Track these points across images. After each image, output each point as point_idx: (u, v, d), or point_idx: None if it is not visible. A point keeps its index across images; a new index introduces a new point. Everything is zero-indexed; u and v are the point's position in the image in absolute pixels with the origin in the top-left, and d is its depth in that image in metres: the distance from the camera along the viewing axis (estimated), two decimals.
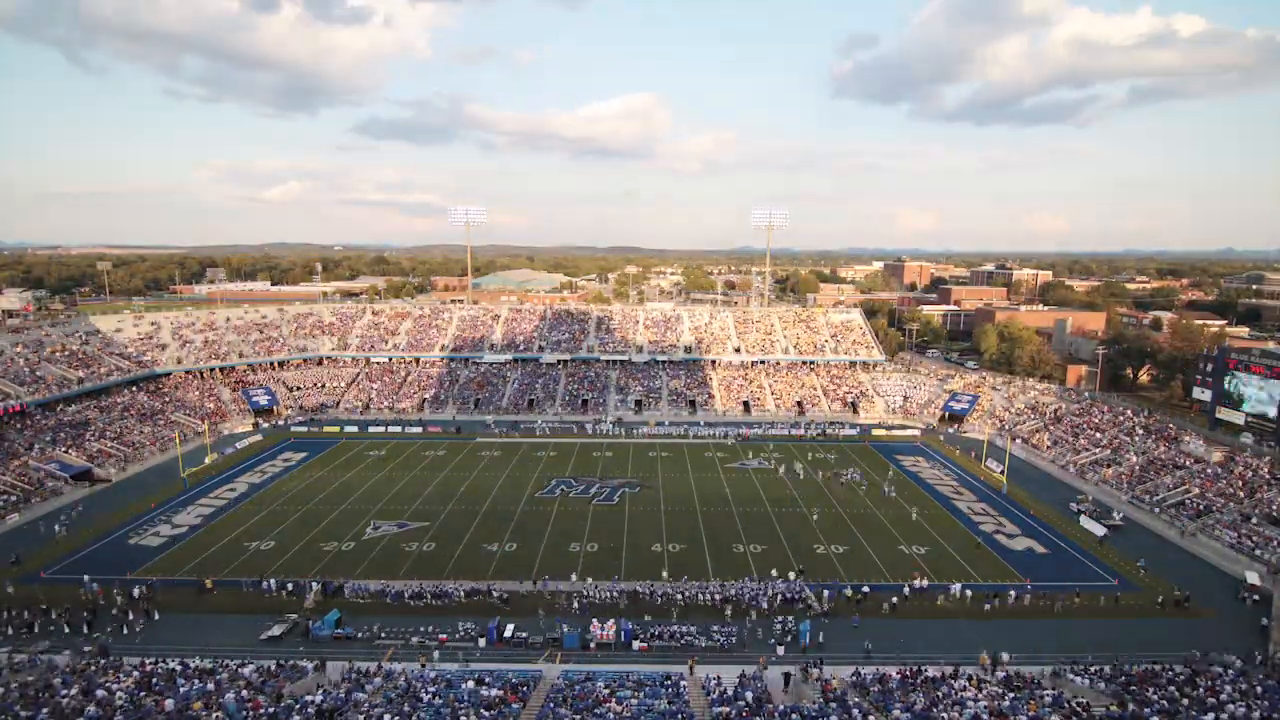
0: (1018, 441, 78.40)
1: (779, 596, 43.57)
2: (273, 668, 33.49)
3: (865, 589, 44.91)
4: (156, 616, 41.37)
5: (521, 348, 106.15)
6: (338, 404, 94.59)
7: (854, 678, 33.10)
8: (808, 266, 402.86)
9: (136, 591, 43.35)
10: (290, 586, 44.50)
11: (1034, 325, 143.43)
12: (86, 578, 44.96)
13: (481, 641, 38.98)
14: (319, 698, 29.63)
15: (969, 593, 44.45)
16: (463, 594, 43.80)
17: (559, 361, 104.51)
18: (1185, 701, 29.50)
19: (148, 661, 33.47)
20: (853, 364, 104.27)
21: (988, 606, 43.09)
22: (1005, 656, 36.06)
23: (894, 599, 43.64)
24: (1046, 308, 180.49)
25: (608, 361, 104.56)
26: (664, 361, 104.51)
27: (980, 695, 30.34)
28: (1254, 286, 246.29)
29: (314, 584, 44.47)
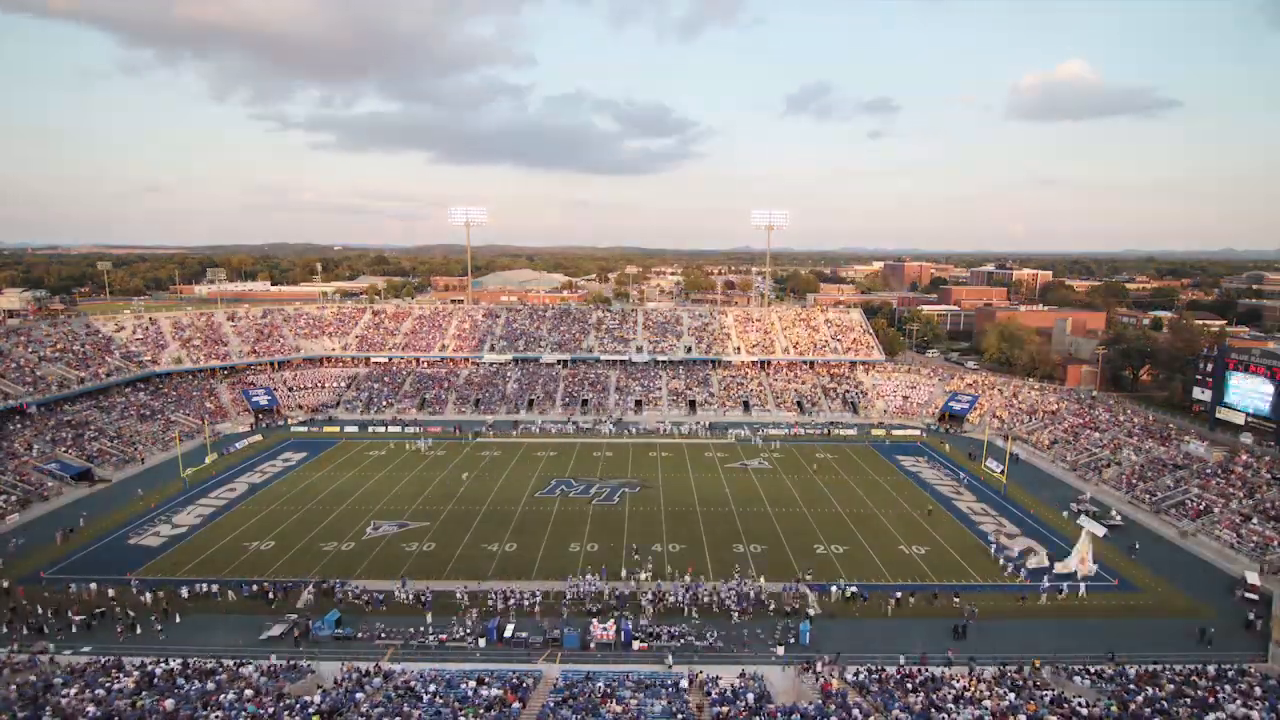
0: (1018, 441, 78.41)
1: (778, 596, 43.61)
2: (272, 667, 33.50)
3: (855, 588, 44.87)
4: (178, 619, 41.25)
5: (521, 348, 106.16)
6: (338, 404, 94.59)
7: (854, 676, 33.12)
8: (808, 266, 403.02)
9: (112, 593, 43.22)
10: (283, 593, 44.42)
11: (1034, 325, 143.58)
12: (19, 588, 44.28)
13: (481, 641, 38.99)
14: (319, 698, 29.67)
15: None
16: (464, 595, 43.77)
17: (559, 361, 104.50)
18: (1184, 701, 29.53)
19: (148, 662, 33.48)
20: (853, 364, 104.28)
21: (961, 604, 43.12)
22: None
23: (897, 596, 43.67)
24: (1046, 308, 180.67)
25: (608, 361, 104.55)
26: (664, 361, 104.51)
27: (978, 693, 30.38)
28: (1254, 286, 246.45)
29: (310, 584, 44.59)
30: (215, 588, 44.28)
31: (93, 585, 44.20)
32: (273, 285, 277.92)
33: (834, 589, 44.58)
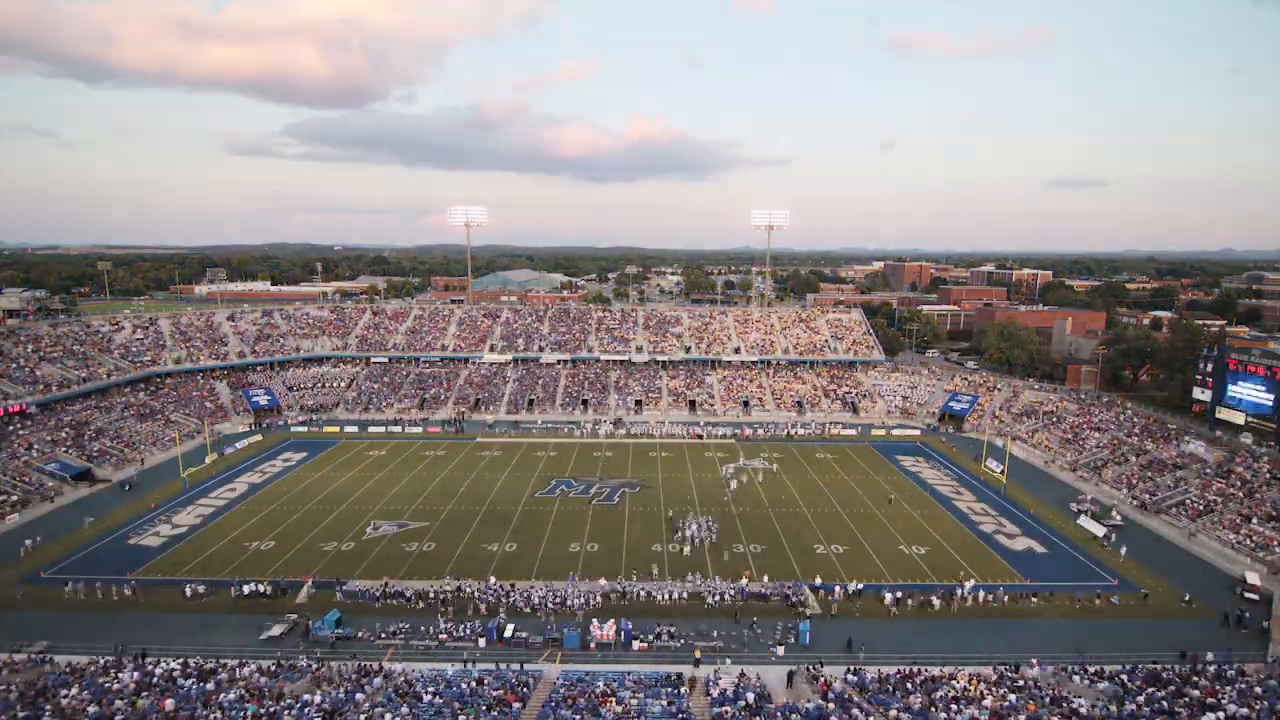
0: (1018, 441, 78.40)
1: (778, 597, 43.63)
2: (273, 667, 33.50)
3: (860, 588, 44.90)
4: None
5: (521, 348, 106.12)
6: (338, 404, 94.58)
7: (853, 676, 33.11)
8: (808, 266, 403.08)
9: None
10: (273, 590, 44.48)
11: (1034, 325, 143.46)
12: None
13: (481, 641, 38.99)
14: (319, 697, 29.67)
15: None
16: (466, 594, 43.78)
17: (559, 361, 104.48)
18: (1184, 701, 29.53)
19: (148, 662, 33.48)
20: (853, 364, 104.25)
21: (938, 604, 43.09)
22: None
23: (896, 594, 43.70)
24: (1046, 308, 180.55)
25: (608, 361, 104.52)
26: (664, 361, 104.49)
27: (977, 693, 30.39)
28: (1254, 286, 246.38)
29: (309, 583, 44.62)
30: (203, 588, 44.42)
31: (81, 583, 44.25)
32: (273, 285, 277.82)
33: (838, 588, 44.52)
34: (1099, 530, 54.54)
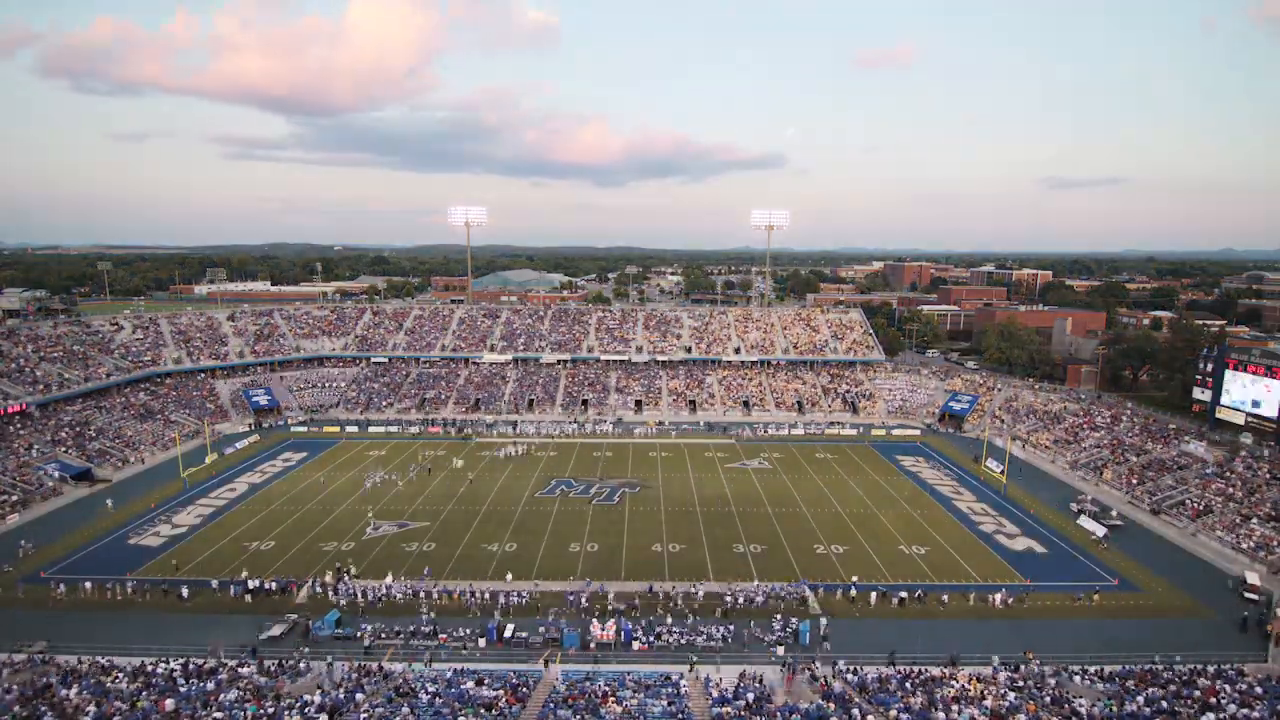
0: (1017, 441, 78.39)
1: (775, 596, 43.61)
2: (273, 667, 33.49)
3: (860, 588, 44.90)
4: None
5: (521, 348, 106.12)
6: (338, 404, 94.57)
7: (853, 676, 33.11)
8: (808, 266, 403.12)
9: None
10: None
11: (1034, 325, 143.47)
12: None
13: (481, 641, 38.98)
14: (319, 698, 29.67)
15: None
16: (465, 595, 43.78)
17: (559, 361, 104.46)
18: (1184, 701, 29.53)
19: (148, 662, 33.46)
20: (853, 364, 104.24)
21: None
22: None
23: (900, 594, 43.71)
24: (1046, 308, 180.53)
25: (608, 361, 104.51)
26: (664, 361, 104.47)
27: (978, 692, 30.39)
28: (1254, 286, 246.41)
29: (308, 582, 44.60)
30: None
31: (87, 584, 44.32)
32: (273, 285, 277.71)
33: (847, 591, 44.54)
34: (1099, 530, 54.55)
